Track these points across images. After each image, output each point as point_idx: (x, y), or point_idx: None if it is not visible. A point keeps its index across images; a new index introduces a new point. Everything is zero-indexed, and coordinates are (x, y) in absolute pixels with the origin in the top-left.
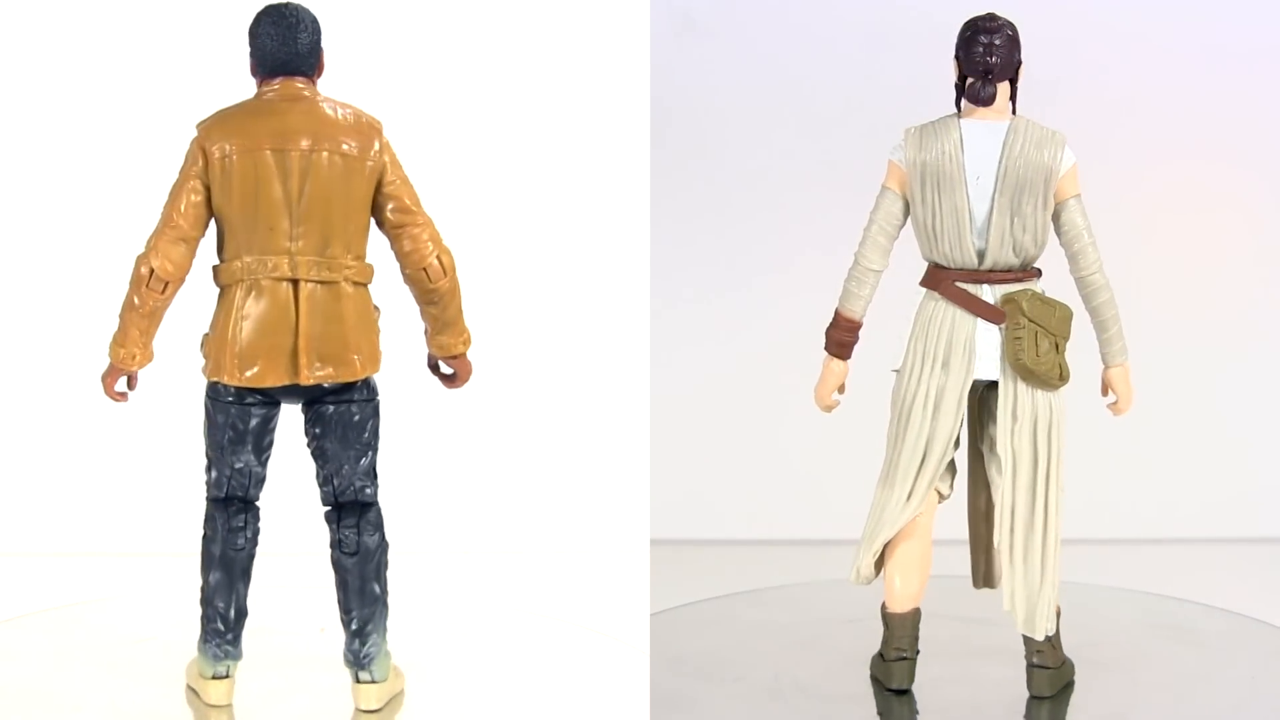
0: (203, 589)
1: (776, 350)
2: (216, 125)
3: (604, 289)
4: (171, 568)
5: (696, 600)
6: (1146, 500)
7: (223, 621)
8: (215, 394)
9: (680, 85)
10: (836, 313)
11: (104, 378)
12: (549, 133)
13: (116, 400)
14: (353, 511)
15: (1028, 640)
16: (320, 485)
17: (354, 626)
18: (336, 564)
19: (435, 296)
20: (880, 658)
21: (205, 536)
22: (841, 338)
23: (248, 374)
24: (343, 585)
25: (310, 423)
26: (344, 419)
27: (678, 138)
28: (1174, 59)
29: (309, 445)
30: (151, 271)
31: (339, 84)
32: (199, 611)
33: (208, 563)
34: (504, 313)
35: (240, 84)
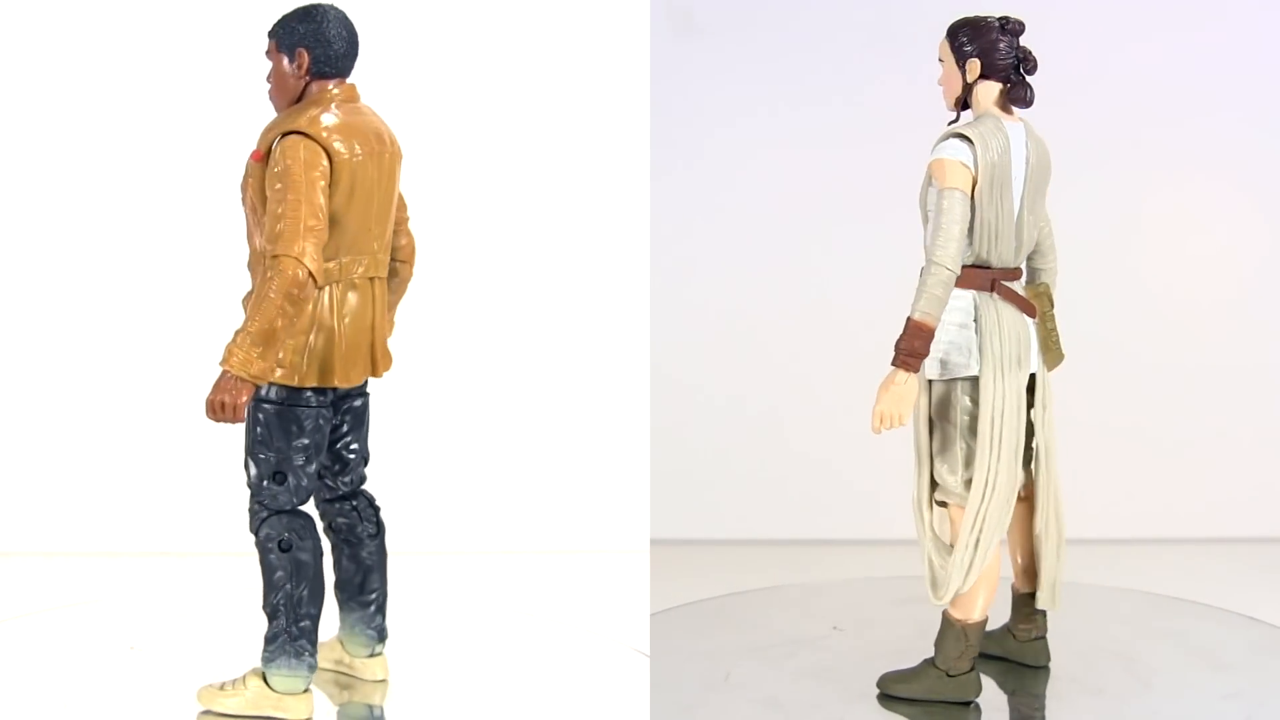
0: (296, 603)
1: (777, 350)
2: (326, 124)
3: (604, 289)
4: (172, 569)
5: (696, 600)
6: (1146, 500)
7: (315, 631)
8: (300, 400)
9: (680, 85)
10: (917, 323)
11: (234, 396)
12: (549, 133)
13: (238, 421)
14: (360, 496)
15: (1032, 618)
16: (336, 478)
17: (378, 602)
18: (360, 548)
19: (406, 287)
20: (943, 673)
21: (289, 548)
22: (921, 349)
23: (352, 374)
24: (368, 567)
25: (340, 418)
26: (368, 411)
27: (678, 138)
28: (1162, 58)
29: (333, 441)
30: (310, 276)
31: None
32: (277, 629)
33: (298, 574)
34: (504, 313)
35: (230, 86)
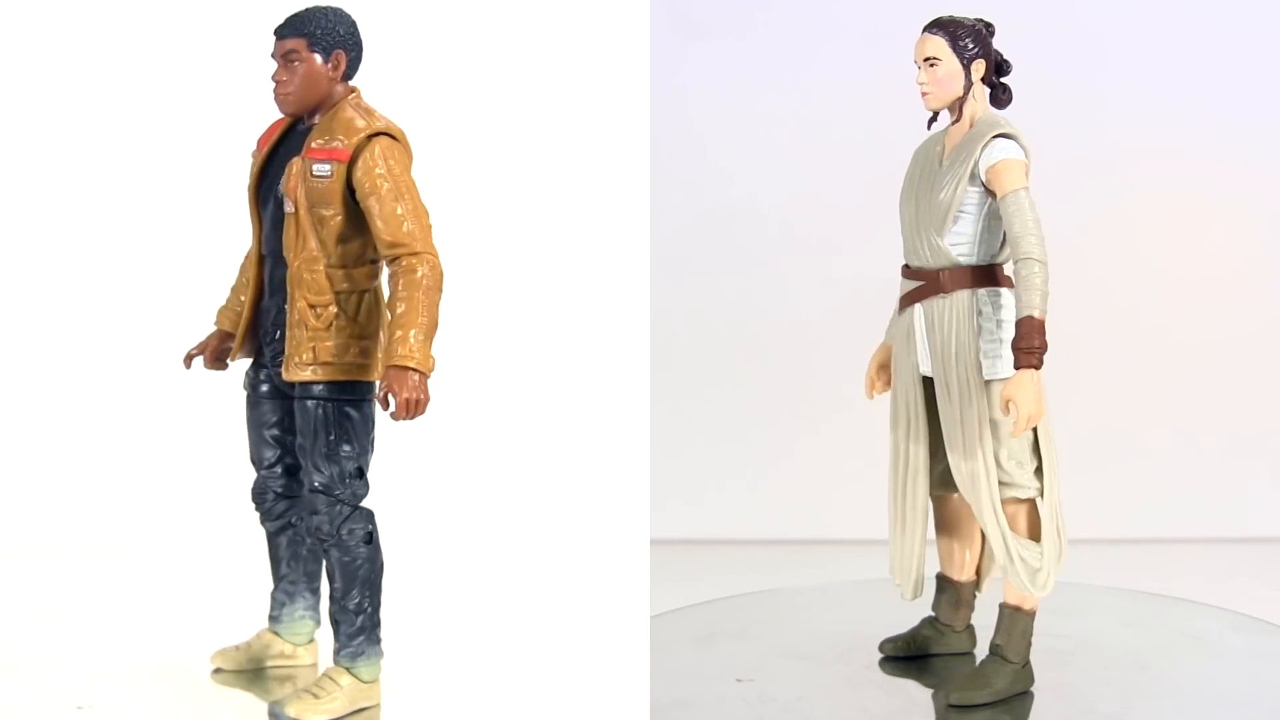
0: (377, 592)
1: (777, 351)
2: (399, 128)
3: (604, 289)
4: (172, 569)
5: (696, 601)
6: (1146, 500)
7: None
8: (371, 395)
9: (680, 85)
10: (1041, 322)
11: (425, 392)
12: (549, 134)
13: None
14: None
15: (970, 605)
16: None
17: (318, 588)
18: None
19: None
20: (1017, 666)
21: (371, 540)
22: (1043, 346)
23: None
24: (319, 555)
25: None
26: None
27: (678, 138)
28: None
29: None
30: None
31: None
32: (363, 622)
33: (378, 565)
34: (504, 313)
35: (236, 86)
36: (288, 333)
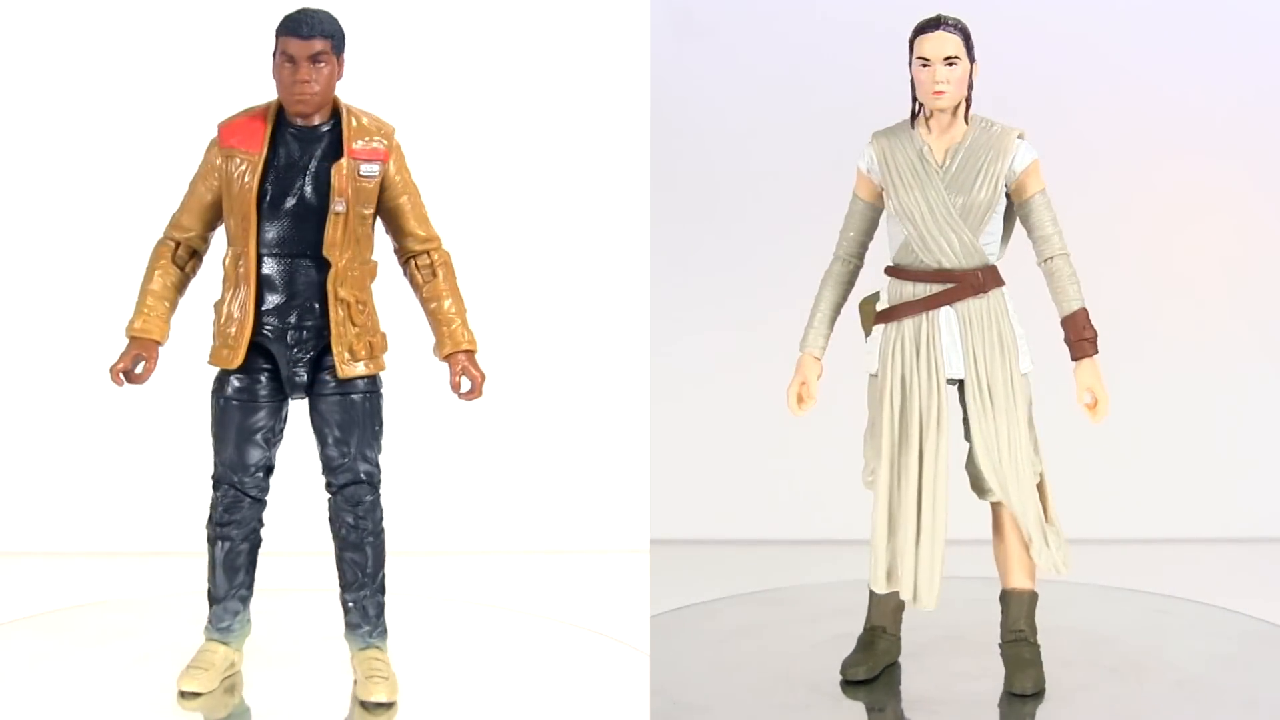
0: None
1: (776, 350)
2: None
3: (604, 289)
4: (173, 568)
5: (696, 600)
6: (1146, 500)
7: None
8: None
9: (680, 85)
10: (1087, 312)
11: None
12: (549, 133)
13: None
14: None
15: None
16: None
17: None
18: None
19: None
20: (1038, 646)
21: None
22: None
23: None
24: None
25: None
26: None
27: (678, 138)
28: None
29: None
30: None
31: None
32: (383, 597)
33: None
34: (504, 313)
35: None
36: (333, 330)
